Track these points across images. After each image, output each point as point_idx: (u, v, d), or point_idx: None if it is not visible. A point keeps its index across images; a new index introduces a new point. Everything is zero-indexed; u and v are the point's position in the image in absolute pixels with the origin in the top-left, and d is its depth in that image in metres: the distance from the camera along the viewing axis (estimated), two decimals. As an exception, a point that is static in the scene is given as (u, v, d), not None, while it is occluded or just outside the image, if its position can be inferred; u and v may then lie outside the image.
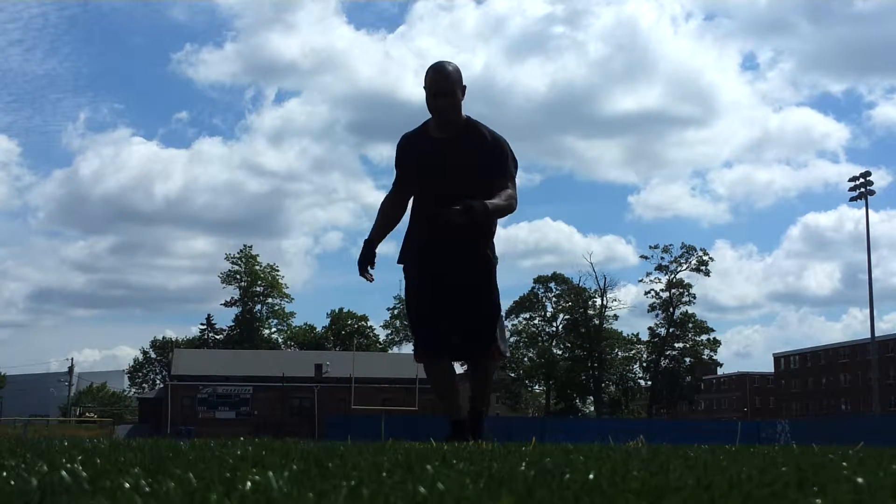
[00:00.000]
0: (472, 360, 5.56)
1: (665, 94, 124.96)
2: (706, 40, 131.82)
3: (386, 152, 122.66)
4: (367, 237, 5.46)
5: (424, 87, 5.30)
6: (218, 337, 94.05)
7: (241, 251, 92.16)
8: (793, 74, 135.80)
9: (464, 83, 5.35)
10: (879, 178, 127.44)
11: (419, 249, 5.37)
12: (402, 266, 5.52)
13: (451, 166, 5.25)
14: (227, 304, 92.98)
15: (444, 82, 5.24)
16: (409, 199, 5.52)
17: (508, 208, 5.19)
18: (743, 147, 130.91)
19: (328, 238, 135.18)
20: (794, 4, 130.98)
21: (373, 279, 5.34)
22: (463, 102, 5.36)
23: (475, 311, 5.32)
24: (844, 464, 2.68)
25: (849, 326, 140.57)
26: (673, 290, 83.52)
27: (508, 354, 5.86)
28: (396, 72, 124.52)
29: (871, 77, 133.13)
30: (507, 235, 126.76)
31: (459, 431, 5.41)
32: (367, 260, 5.36)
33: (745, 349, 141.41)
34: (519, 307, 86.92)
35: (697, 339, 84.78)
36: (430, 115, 5.43)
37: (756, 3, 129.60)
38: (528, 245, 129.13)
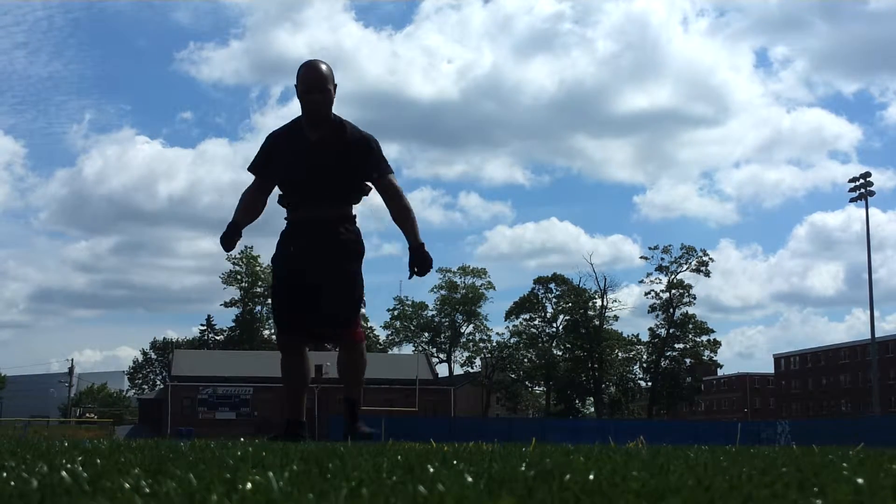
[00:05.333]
0: (338, 342, 5.71)
1: (676, 93, 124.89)
2: (718, 38, 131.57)
3: (392, 153, 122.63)
4: (233, 219, 5.54)
5: (296, 85, 5.43)
6: (218, 338, 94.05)
7: (241, 252, 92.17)
8: (806, 73, 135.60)
9: (335, 81, 5.49)
10: (888, 179, 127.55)
11: (283, 244, 5.53)
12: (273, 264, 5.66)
13: (322, 166, 5.39)
14: (226, 305, 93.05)
15: (317, 79, 5.38)
16: (269, 193, 5.63)
17: (415, 219, 5.49)
18: (754, 147, 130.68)
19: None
20: (807, 3, 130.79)
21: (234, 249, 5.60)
22: (335, 100, 5.51)
23: (340, 294, 5.42)
24: (845, 464, 2.68)
25: (852, 327, 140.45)
26: (673, 291, 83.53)
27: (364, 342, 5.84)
28: (404, 71, 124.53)
29: (884, 77, 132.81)
30: (514, 235, 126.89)
31: (295, 431, 5.51)
32: (234, 236, 5.49)
33: (747, 350, 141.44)
34: (519, 308, 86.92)
35: (698, 339, 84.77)
36: (293, 117, 5.62)
37: (768, 1, 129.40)
38: (533, 245, 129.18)
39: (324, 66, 5.44)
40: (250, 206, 5.62)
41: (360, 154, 5.46)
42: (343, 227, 5.48)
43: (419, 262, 5.38)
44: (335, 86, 5.48)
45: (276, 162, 5.53)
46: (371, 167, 5.49)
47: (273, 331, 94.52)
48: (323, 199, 5.44)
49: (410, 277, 5.42)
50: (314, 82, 5.38)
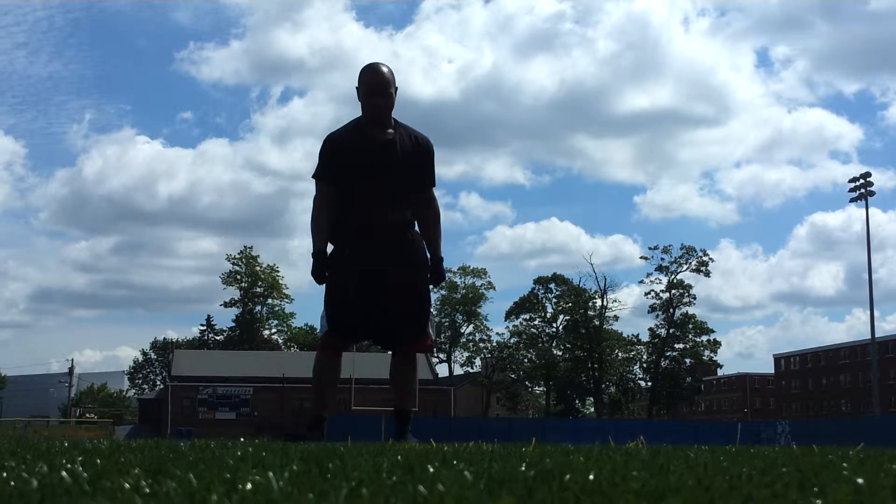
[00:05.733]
0: (402, 349, 5.60)
1: (677, 93, 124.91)
2: (719, 38, 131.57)
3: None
4: (315, 249, 5.35)
5: (358, 88, 5.41)
6: (218, 338, 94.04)
7: (241, 252, 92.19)
8: (807, 73, 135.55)
9: (396, 84, 5.47)
10: (889, 180, 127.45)
11: (353, 246, 5.38)
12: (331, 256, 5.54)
13: (392, 166, 5.34)
14: (226, 305, 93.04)
15: (380, 83, 5.36)
16: (336, 197, 5.48)
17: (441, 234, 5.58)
18: (755, 147, 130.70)
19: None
20: (808, 2, 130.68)
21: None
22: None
23: (415, 303, 5.42)
24: (845, 464, 2.68)
25: (852, 327, 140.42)
26: (673, 291, 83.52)
27: (435, 350, 6.05)
28: (404, 70, 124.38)
29: (885, 77, 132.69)
30: (514, 235, 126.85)
31: (320, 428, 5.49)
32: (325, 269, 5.37)
33: (747, 350, 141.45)
34: (519, 308, 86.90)
35: (698, 339, 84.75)
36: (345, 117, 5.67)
37: (769, 1, 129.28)
38: (534, 245, 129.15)
39: (386, 70, 5.41)
40: (325, 223, 5.41)
41: (424, 158, 5.50)
42: (410, 233, 5.47)
43: (438, 275, 5.49)
44: (396, 88, 5.45)
45: (342, 164, 5.38)
46: (429, 173, 5.54)
47: (270, 331, 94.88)
48: (392, 201, 5.39)
49: (433, 284, 5.53)
50: (377, 86, 5.35)
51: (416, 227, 5.53)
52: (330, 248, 5.47)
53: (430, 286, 5.55)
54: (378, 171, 5.33)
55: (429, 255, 5.50)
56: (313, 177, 5.45)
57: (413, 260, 5.42)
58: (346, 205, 5.40)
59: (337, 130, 5.53)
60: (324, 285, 5.39)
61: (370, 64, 5.46)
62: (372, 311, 5.31)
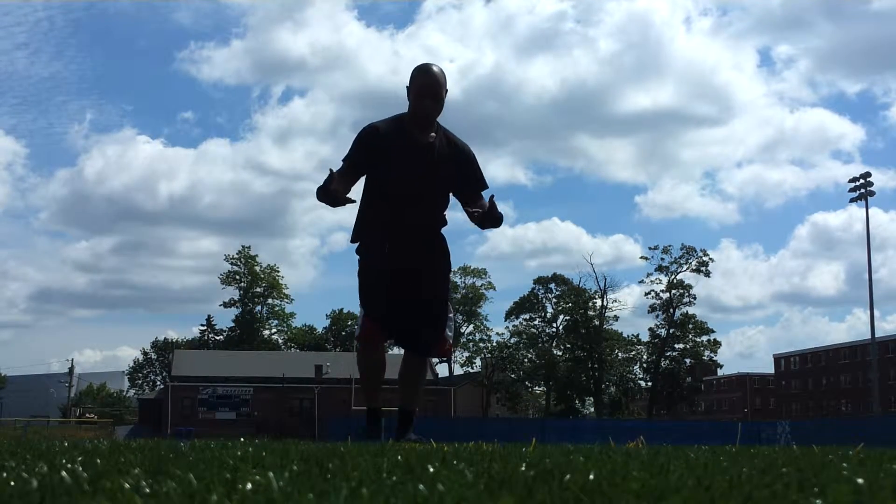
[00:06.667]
0: (420, 352, 5.56)
1: (679, 93, 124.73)
2: (720, 37, 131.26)
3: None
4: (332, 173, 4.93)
5: (409, 87, 5.30)
6: (218, 338, 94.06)
7: (239, 252, 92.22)
8: (809, 73, 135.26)
9: (447, 87, 5.40)
10: (890, 179, 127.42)
11: (385, 239, 5.30)
12: (357, 246, 5.45)
13: (426, 169, 5.28)
14: (226, 305, 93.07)
15: (432, 85, 5.29)
16: (354, 182, 5.26)
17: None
18: (757, 147, 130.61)
19: (334, 239, 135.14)
20: (810, 2, 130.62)
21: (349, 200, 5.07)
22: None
23: (435, 302, 5.39)
24: (845, 465, 2.68)
25: (853, 327, 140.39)
26: (673, 291, 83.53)
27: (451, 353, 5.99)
28: (406, 70, 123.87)
29: (887, 77, 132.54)
30: (515, 235, 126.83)
31: (377, 421, 5.61)
32: (330, 185, 4.87)
33: (748, 350, 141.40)
34: (519, 308, 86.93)
35: (698, 339, 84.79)
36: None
37: (771, 0, 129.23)
38: (535, 245, 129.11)
39: (439, 71, 5.34)
40: (346, 178, 5.21)
41: (466, 163, 5.46)
42: (441, 236, 5.47)
43: (494, 218, 5.16)
44: (447, 91, 5.40)
45: (377, 154, 5.26)
46: (480, 179, 5.51)
47: (270, 331, 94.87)
48: (429, 203, 5.37)
49: (476, 219, 5.17)
50: (429, 89, 5.28)
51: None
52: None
53: (484, 227, 5.24)
54: (411, 173, 5.26)
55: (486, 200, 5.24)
56: (343, 160, 5.31)
57: (436, 264, 5.40)
58: (376, 194, 5.35)
59: (379, 122, 5.43)
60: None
61: (424, 64, 5.38)
62: (397, 305, 5.29)
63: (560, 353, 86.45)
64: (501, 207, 5.31)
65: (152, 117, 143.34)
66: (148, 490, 1.60)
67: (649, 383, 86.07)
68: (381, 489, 1.62)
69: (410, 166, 5.27)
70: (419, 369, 5.63)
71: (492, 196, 5.18)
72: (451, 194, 5.48)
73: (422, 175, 5.28)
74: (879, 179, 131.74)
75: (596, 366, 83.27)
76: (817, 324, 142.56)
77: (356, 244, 5.46)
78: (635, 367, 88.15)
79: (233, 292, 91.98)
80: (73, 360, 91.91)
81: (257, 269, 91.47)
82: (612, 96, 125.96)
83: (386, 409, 5.72)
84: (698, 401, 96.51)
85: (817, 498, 1.62)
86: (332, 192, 4.89)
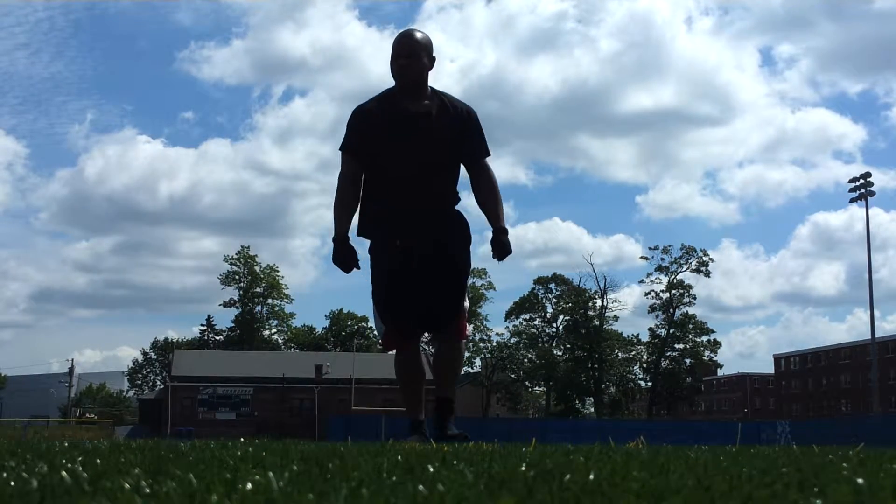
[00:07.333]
0: (440, 330, 5.20)
1: (680, 93, 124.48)
2: (722, 37, 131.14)
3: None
4: (336, 233, 4.93)
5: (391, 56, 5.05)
6: (218, 338, 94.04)
7: (239, 252, 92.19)
8: (811, 73, 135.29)
9: (433, 55, 5.08)
10: (891, 179, 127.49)
11: (389, 226, 5.01)
12: (363, 239, 5.15)
13: (427, 136, 4.97)
14: (225, 305, 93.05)
15: (406, 45, 5.00)
16: (363, 173, 5.08)
17: (502, 203, 5.23)
18: (758, 147, 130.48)
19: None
20: (812, 1, 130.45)
21: (359, 268, 5.02)
22: (431, 74, 5.10)
23: (451, 286, 5.10)
24: (845, 465, 2.68)
25: (853, 327, 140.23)
26: (673, 291, 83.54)
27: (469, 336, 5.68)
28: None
29: (889, 77, 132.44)
30: (516, 235, 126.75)
31: (423, 431, 5.15)
32: (351, 258, 4.93)
33: (748, 350, 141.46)
34: (519, 308, 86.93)
35: (698, 340, 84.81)
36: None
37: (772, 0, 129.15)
38: (535, 245, 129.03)
39: (418, 35, 5.07)
40: (349, 202, 5.01)
41: (465, 129, 5.08)
42: (453, 211, 5.12)
43: (502, 246, 5.07)
44: (432, 58, 5.06)
45: (371, 136, 4.98)
46: (477, 145, 5.14)
47: (270, 331, 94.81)
48: (425, 176, 4.99)
49: (496, 257, 5.11)
50: (402, 48, 4.99)
51: (460, 204, 5.16)
52: (354, 227, 5.09)
53: (496, 259, 5.11)
54: (410, 144, 4.94)
55: (491, 227, 5.13)
56: (339, 149, 5.09)
57: (448, 238, 5.06)
58: (377, 181, 5.04)
59: (366, 102, 5.15)
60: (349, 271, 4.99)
61: (403, 29, 5.15)
62: (413, 291, 4.97)
63: (560, 354, 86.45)
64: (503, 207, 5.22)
65: (153, 117, 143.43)
66: (148, 490, 1.60)
67: (649, 383, 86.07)
68: (381, 489, 1.62)
69: (405, 138, 4.96)
70: (451, 353, 5.26)
71: (503, 229, 5.08)
72: (459, 166, 5.14)
73: (421, 144, 4.95)
74: (881, 179, 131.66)
75: (596, 366, 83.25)
76: (818, 324, 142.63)
77: (362, 238, 5.13)
78: (635, 368, 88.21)
79: (232, 292, 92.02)
80: (73, 360, 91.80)
81: (257, 269, 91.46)
82: (613, 96, 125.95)
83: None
84: (698, 401, 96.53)
85: (817, 498, 1.62)
86: (345, 263, 4.91)
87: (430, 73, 5.10)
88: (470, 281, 6.12)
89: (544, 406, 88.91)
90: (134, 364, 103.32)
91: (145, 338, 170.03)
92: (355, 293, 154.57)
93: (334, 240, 4.91)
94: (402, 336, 5.15)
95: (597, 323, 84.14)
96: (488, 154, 5.22)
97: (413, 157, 4.95)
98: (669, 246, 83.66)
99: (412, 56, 4.99)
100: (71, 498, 1.55)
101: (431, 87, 5.11)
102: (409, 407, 5.31)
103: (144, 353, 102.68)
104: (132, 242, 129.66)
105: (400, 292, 4.98)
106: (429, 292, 4.99)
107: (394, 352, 5.30)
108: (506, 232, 5.11)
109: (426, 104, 5.03)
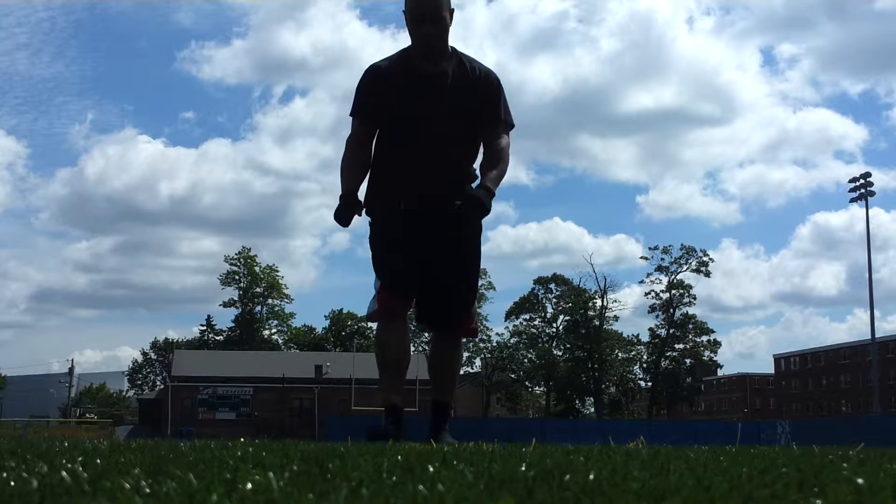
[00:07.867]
0: (446, 325, 4.79)
1: (681, 93, 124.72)
2: (723, 37, 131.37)
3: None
4: (343, 191, 4.52)
5: (405, 12, 4.56)
6: (218, 338, 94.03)
7: (239, 252, 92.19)
8: (812, 73, 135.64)
9: (451, 6, 4.61)
10: (892, 180, 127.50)
11: (400, 195, 4.63)
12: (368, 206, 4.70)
13: (443, 104, 4.57)
14: (225, 305, 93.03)
15: (430, 4, 4.49)
16: (373, 139, 4.72)
17: (504, 173, 4.65)
18: (759, 147, 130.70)
19: (335, 239, 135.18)
20: (814, 1, 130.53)
21: (360, 214, 4.59)
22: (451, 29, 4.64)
23: (460, 277, 4.70)
24: (845, 465, 2.67)
25: (854, 327, 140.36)
26: (673, 291, 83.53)
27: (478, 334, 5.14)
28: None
29: (890, 77, 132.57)
30: (516, 235, 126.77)
31: (398, 420, 4.66)
32: (348, 209, 4.49)
33: (748, 350, 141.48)
34: (519, 308, 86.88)
35: (698, 340, 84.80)
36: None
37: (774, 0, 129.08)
38: (536, 245, 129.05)
39: None
40: (358, 163, 4.64)
41: (485, 93, 4.64)
42: (466, 186, 4.54)
43: (472, 201, 4.40)
44: (452, 11, 4.57)
45: (384, 99, 4.59)
46: (495, 115, 4.64)
47: (270, 331, 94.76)
48: (448, 145, 4.59)
49: (463, 208, 4.47)
50: (426, 10, 4.47)
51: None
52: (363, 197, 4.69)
53: (460, 208, 4.49)
54: (422, 109, 4.55)
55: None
56: (350, 114, 4.71)
57: (463, 222, 4.60)
58: (386, 150, 4.67)
59: (380, 61, 4.71)
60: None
61: None
62: (417, 273, 4.56)
63: (560, 354, 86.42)
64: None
65: (153, 117, 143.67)
66: (148, 490, 1.60)
67: (649, 383, 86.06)
68: (381, 489, 1.62)
69: (420, 102, 4.57)
70: (452, 352, 4.88)
71: (488, 189, 4.44)
72: (477, 140, 4.69)
73: (437, 111, 4.56)
74: (882, 180, 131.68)
75: (596, 366, 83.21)
76: (818, 324, 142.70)
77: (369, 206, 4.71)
78: (635, 368, 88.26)
79: (232, 292, 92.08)
80: (73, 360, 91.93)
81: (257, 269, 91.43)
82: (614, 96, 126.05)
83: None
84: (698, 401, 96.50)
85: (817, 498, 1.62)
86: (344, 217, 4.48)
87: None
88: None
89: (544, 406, 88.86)
90: (134, 364, 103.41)
91: (145, 338, 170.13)
92: (355, 293, 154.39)
93: (341, 196, 4.51)
94: (397, 305, 4.64)
95: (597, 323, 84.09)
96: (510, 125, 4.74)
97: (426, 122, 4.58)
98: (669, 246, 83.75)
99: (436, 20, 4.51)
100: (71, 498, 1.55)
101: (452, 47, 4.68)
102: (389, 388, 4.75)
103: (144, 354, 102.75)
104: (132, 242, 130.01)
105: (402, 258, 4.57)
106: (439, 276, 4.61)
107: (380, 320, 4.76)
108: (490, 192, 4.44)
109: (444, 66, 4.62)
